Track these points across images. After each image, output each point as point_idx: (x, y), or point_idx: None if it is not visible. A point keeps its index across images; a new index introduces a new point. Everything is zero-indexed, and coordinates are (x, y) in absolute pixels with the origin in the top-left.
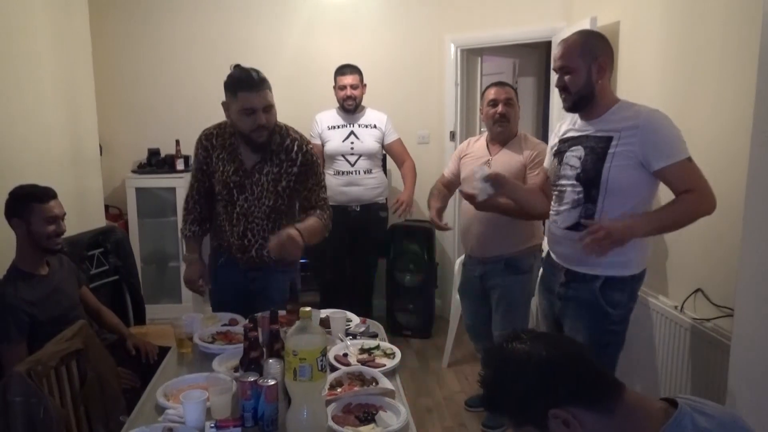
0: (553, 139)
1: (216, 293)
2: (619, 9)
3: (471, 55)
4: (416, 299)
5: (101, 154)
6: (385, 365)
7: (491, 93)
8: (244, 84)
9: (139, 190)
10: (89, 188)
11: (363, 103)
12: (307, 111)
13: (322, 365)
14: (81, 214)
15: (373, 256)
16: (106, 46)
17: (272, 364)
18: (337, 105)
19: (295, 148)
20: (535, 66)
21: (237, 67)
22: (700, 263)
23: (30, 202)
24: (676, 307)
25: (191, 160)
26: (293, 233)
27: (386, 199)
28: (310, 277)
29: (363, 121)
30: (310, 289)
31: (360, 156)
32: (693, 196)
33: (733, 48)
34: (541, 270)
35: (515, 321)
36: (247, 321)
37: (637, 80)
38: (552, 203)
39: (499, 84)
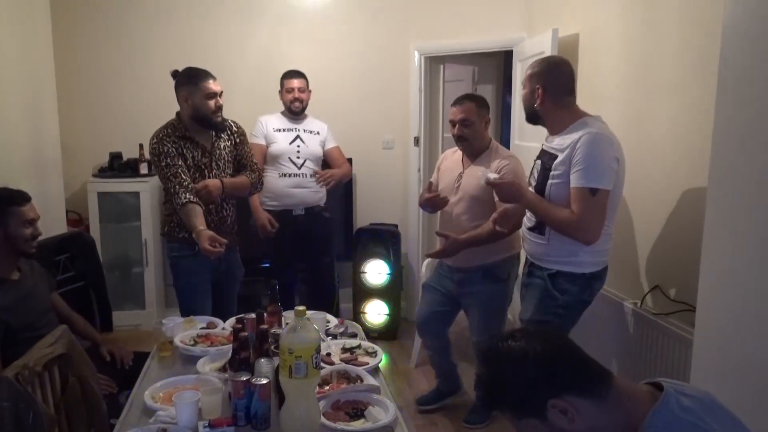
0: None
1: (188, 284)
2: (579, 21)
3: (434, 63)
4: (382, 302)
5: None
6: (368, 363)
7: (450, 113)
8: (206, 75)
9: (102, 195)
10: (50, 193)
11: (308, 112)
12: (270, 114)
13: (316, 362)
14: (42, 219)
15: (328, 258)
16: (68, 48)
17: (263, 364)
18: (281, 109)
19: (232, 125)
20: (494, 73)
21: (181, 69)
22: (659, 261)
23: (7, 206)
24: (636, 303)
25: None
26: (215, 182)
27: (324, 203)
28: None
29: (307, 126)
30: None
31: (306, 159)
32: (572, 219)
33: (688, 57)
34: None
35: (492, 328)
36: (234, 322)
37: (597, 90)
38: None
39: (458, 102)
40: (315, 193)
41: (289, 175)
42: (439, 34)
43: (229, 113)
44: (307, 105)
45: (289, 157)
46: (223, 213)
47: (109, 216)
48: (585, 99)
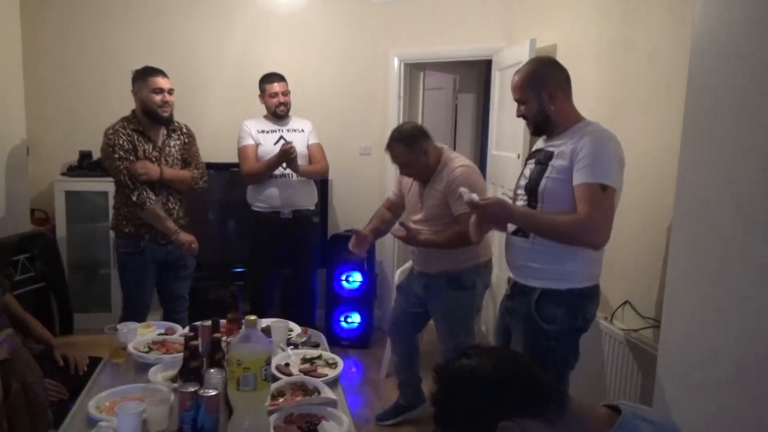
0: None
1: (133, 279)
2: (557, 32)
3: (414, 70)
4: (355, 309)
5: (27, 155)
6: (327, 375)
7: (390, 158)
8: (155, 71)
9: (69, 194)
10: (14, 191)
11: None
12: (248, 117)
13: (266, 375)
14: (4, 217)
15: (310, 265)
16: (37, 44)
17: (213, 374)
18: (262, 113)
19: (183, 126)
20: (474, 82)
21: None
22: (629, 276)
23: None
24: (605, 318)
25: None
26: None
27: (315, 205)
28: (244, 287)
29: (291, 126)
30: (247, 299)
31: (292, 144)
32: (579, 219)
33: (661, 70)
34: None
35: (458, 337)
36: (187, 330)
37: (574, 101)
38: None
39: (388, 148)
40: (303, 195)
41: (276, 176)
42: (419, 41)
43: (205, 115)
44: (290, 107)
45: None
46: (169, 206)
47: (76, 216)
48: None
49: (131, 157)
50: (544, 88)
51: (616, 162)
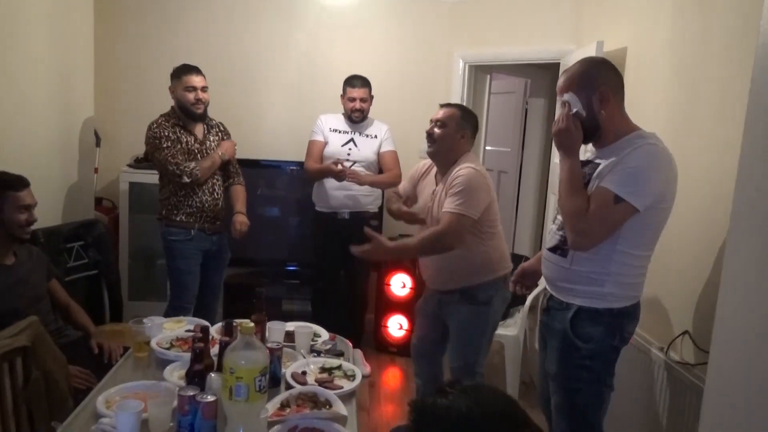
0: None
1: (184, 266)
2: (627, 34)
3: (480, 72)
4: (404, 316)
5: (99, 146)
6: (342, 387)
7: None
8: (189, 69)
9: (133, 185)
10: (79, 179)
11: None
12: (308, 117)
13: (260, 386)
14: (67, 204)
15: (363, 267)
16: (111, 41)
17: (215, 379)
18: (343, 112)
19: (220, 125)
20: (547, 87)
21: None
22: (689, 302)
23: (4, 190)
24: (661, 349)
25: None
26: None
27: (378, 209)
28: (300, 285)
29: (365, 130)
30: (301, 298)
31: (355, 163)
32: (581, 212)
33: (740, 76)
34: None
35: (468, 354)
36: (220, 327)
37: (642, 107)
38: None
39: (444, 105)
40: (363, 198)
41: None
42: (484, 43)
43: (266, 114)
44: (368, 113)
45: (338, 159)
46: (215, 195)
47: (139, 206)
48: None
49: (178, 146)
50: (596, 91)
51: (654, 184)
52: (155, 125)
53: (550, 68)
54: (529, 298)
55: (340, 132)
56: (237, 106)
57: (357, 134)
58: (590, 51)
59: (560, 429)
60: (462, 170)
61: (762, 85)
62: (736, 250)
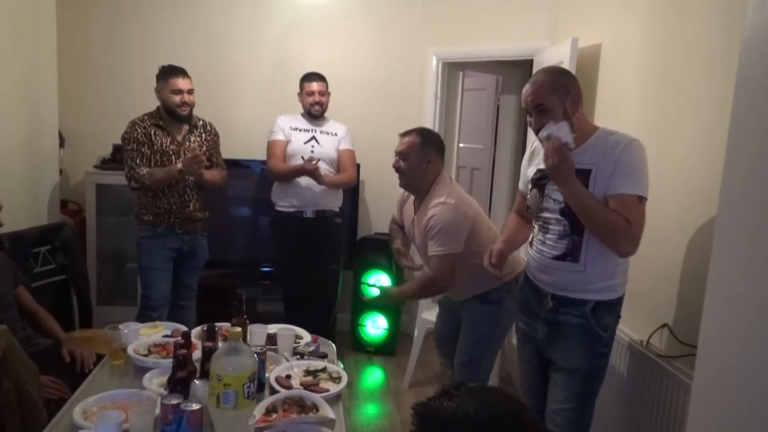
0: (531, 167)
1: (149, 261)
2: (602, 31)
3: (453, 69)
4: (381, 315)
5: (63, 147)
6: (328, 390)
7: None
8: (176, 72)
9: (100, 187)
10: (44, 181)
11: (330, 112)
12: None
13: (249, 392)
14: (33, 207)
15: (335, 266)
16: (74, 39)
17: (199, 387)
18: (300, 111)
19: (207, 125)
20: (518, 84)
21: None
22: (669, 295)
23: None
24: (641, 342)
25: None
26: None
27: (339, 208)
28: (275, 286)
29: (325, 128)
30: (277, 299)
31: (318, 161)
32: (626, 226)
33: (714, 74)
34: (519, 296)
35: (475, 351)
36: (200, 332)
37: (617, 103)
38: (535, 232)
39: (404, 134)
40: (327, 196)
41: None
42: (458, 40)
43: (237, 111)
44: (326, 108)
45: (302, 157)
46: (185, 197)
47: (107, 208)
48: (602, 114)
49: (143, 149)
50: (568, 94)
51: (647, 174)
52: (130, 125)
53: (522, 65)
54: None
55: (301, 130)
56: (206, 105)
57: (318, 132)
58: (565, 47)
59: (573, 417)
60: (432, 209)
61: (747, 81)
62: (723, 244)
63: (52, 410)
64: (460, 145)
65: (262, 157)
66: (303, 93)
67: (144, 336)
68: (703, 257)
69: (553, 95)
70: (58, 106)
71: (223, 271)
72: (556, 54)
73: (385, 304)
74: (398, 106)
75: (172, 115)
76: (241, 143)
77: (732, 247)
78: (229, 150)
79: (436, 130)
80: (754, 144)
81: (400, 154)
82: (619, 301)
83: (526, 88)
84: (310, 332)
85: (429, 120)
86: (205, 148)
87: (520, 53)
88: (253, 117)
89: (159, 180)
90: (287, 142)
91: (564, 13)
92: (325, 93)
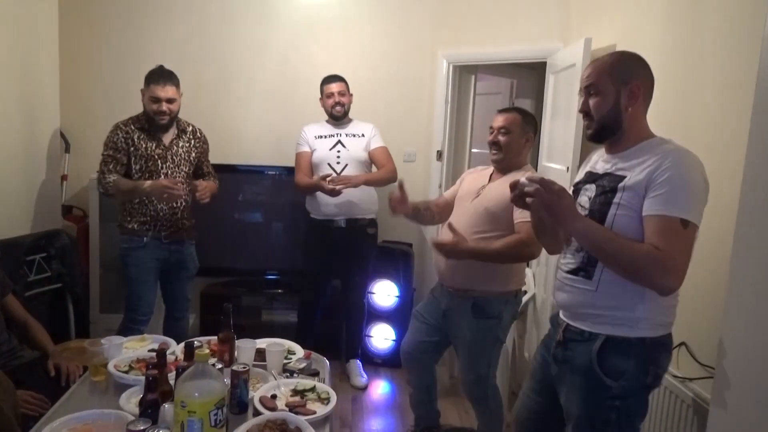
0: (581, 172)
1: (136, 274)
2: (616, 31)
3: (464, 73)
4: (389, 326)
5: (68, 152)
6: (315, 412)
7: (493, 120)
8: (157, 79)
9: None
10: (45, 187)
11: (350, 115)
12: (288, 121)
13: (217, 420)
14: (32, 213)
15: (362, 277)
16: (77, 36)
17: (169, 411)
18: (325, 117)
19: (197, 131)
20: (533, 87)
21: (159, 66)
22: (687, 312)
23: None
24: None
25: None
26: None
27: (375, 215)
28: (281, 294)
29: (350, 130)
30: (282, 308)
31: (346, 165)
32: (657, 254)
33: (733, 72)
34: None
35: (480, 367)
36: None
37: None
38: (566, 246)
39: (504, 111)
40: (359, 204)
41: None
42: (469, 43)
43: (244, 118)
44: (349, 109)
45: (328, 164)
46: (174, 203)
47: (111, 215)
48: None
49: (118, 155)
50: (626, 84)
51: (701, 194)
52: (113, 128)
53: (537, 68)
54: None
55: (325, 137)
56: (214, 111)
57: (343, 135)
58: (578, 48)
59: None
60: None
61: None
62: (741, 263)
63: (30, 428)
64: (473, 150)
65: (270, 162)
66: (323, 96)
67: (129, 350)
68: (725, 269)
69: (609, 79)
70: (63, 112)
71: (228, 279)
72: (569, 55)
73: (453, 256)
74: (408, 110)
75: (152, 122)
76: (249, 149)
77: (750, 262)
78: (236, 156)
79: (446, 134)
80: None
81: (502, 129)
82: (642, 343)
83: (587, 67)
84: (320, 344)
85: (439, 124)
86: (194, 154)
87: (532, 55)
88: (261, 123)
89: (122, 191)
90: (311, 153)
91: (577, 13)
92: (345, 93)
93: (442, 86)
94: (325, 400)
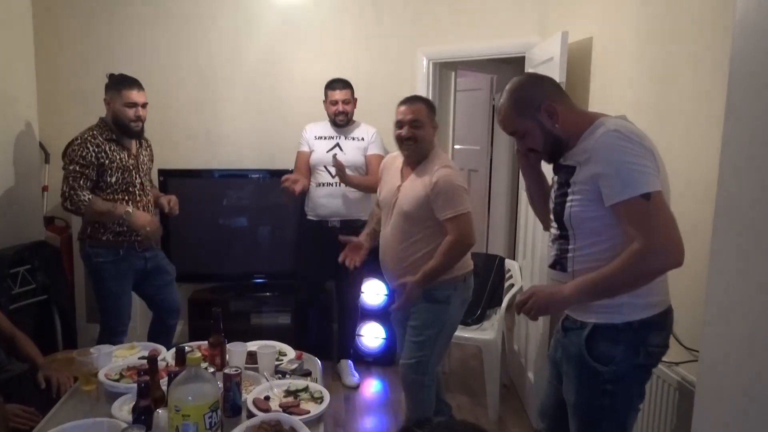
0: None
1: (114, 288)
2: (593, 24)
3: (444, 69)
4: (379, 324)
5: (48, 162)
6: (309, 412)
7: (398, 112)
8: (131, 83)
9: None
10: (25, 198)
11: (355, 118)
12: (269, 123)
13: (212, 423)
14: (14, 225)
15: (355, 278)
16: (53, 44)
17: (162, 416)
18: (328, 119)
19: (147, 140)
20: None
21: (115, 74)
22: (671, 300)
23: None
24: None
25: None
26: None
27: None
28: (269, 298)
29: (351, 134)
30: (271, 311)
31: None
32: (635, 250)
33: (707, 65)
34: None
35: (422, 352)
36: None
37: (609, 97)
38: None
39: (407, 101)
40: (353, 205)
41: (324, 185)
42: (448, 40)
43: (225, 121)
44: (352, 116)
45: (324, 166)
46: (148, 212)
47: None
48: (595, 109)
49: (87, 171)
50: (539, 108)
51: (644, 162)
52: (79, 142)
53: (516, 63)
54: (505, 300)
55: (325, 138)
56: (192, 117)
57: (342, 138)
58: (555, 42)
59: None
60: (438, 173)
61: (740, 69)
62: (721, 246)
63: None
64: (456, 146)
65: (253, 166)
66: (327, 101)
67: (119, 358)
68: (703, 259)
69: (521, 118)
70: (42, 123)
71: (215, 284)
72: (547, 49)
73: (413, 303)
74: (389, 109)
75: (121, 129)
76: (230, 153)
77: (730, 245)
78: (217, 160)
79: None
80: (748, 134)
81: (413, 122)
82: (629, 327)
83: (499, 119)
84: (315, 343)
85: None
86: (150, 164)
87: (511, 50)
88: (241, 127)
89: (97, 212)
90: (310, 153)
91: (554, 7)
92: (349, 101)
93: (422, 84)
94: (318, 399)
